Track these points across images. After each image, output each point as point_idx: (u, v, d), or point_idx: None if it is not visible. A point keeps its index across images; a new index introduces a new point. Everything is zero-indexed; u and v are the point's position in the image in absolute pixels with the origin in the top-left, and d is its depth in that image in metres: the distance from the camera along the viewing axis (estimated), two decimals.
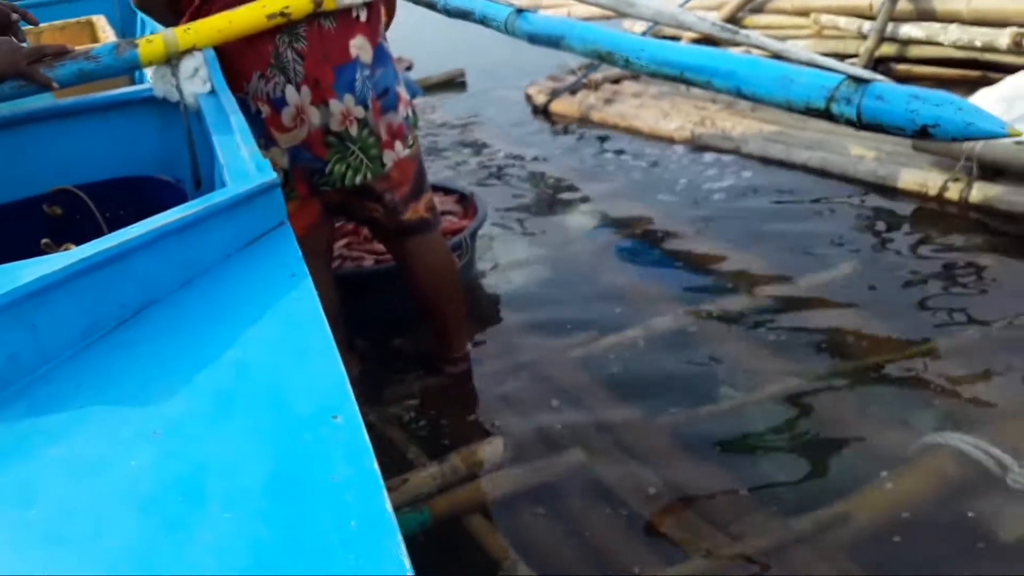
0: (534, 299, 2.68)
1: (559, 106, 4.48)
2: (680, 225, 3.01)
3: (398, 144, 2.00)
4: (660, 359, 2.27)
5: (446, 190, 2.98)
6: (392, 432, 2.10)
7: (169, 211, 0.90)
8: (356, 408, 0.64)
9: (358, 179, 1.94)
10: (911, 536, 1.62)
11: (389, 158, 1.98)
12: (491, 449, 1.96)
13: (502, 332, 2.54)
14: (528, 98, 4.72)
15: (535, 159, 3.91)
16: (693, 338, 2.35)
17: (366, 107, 1.91)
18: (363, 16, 1.90)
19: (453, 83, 5.43)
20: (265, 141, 1.85)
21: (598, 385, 2.18)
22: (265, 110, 1.85)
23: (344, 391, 0.66)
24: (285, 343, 0.75)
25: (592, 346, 2.36)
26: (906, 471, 1.78)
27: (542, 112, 4.53)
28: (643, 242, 2.97)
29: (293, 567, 0.51)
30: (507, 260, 2.94)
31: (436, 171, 3.62)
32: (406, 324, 2.47)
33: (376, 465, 0.58)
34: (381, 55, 1.96)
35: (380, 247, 2.58)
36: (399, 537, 0.52)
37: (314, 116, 1.87)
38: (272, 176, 0.98)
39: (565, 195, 3.47)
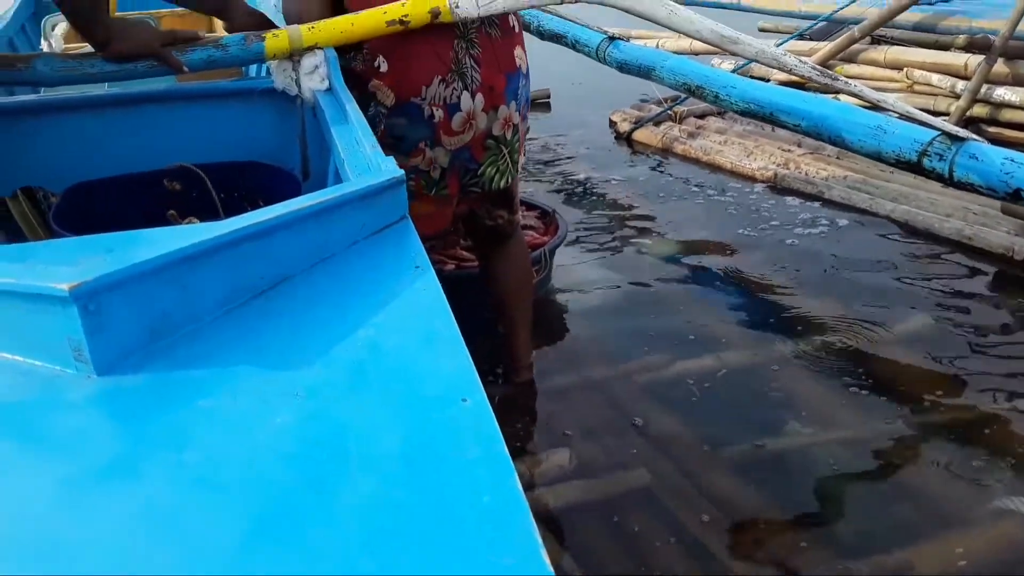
0: (605, 320, 2.71)
1: (642, 135, 4.51)
2: (757, 262, 3.02)
3: (522, 151, 2.10)
4: (728, 390, 2.28)
5: (529, 205, 3.03)
6: None
7: (305, 196, 0.96)
8: (484, 394, 0.68)
9: (503, 182, 2.02)
10: None
11: (520, 163, 2.08)
12: (557, 459, 2.00)
13: (572, 349, 2.58)
14: (612, 124, 4.76)
15: (616, 184, 3.95)
16: (763, 374, 2.36)
17: (519, 113, 2.01)
18: (517, 27, 1.99)
19: (538, 103, 5.50)
20: (431, 142, 1.90)
21: (663, 410, 2.20)
22: (439, 114, 1.88)
23: (472, 376, 0.70)
24: (413, 327, 0.80)
25: (661, 371, 2.38)
26: (973, 532, 1.76)
27: (625, 139, 4.57)
28: (719, 275, 2.98)
29: (431, 532, 0.55)
30: (582, 279, 2.97)
31: (520, 186, 3.68)
32: (475, 333, 2.51)
33: (505, 448, 0.62)
34: (528, 66, 2.05)
35: (462, 253, 2.64)
36: (531, 518, 0.55)
37: (482, 121, 1.93)
38: (400, 173, 1.04)
39: (644, 222, 3.50)
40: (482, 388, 0.69)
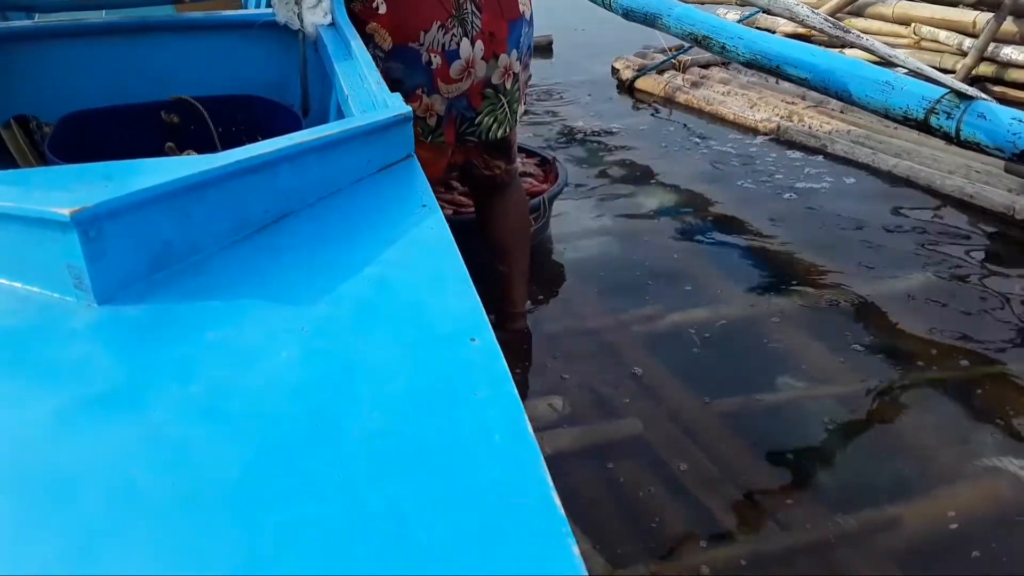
0: (603, 269, 2.70)
1: (645, 83, 4.45)
2: (756, 215, 3.00)
3: (522, 100, 2.06)
4: (723, 343, 2.28)
5: (528, 152, 3.00)
6: None
7: (309, 130, 0.93)
8: (492, 334, 0.67)
9: (500, 132, 1.98)
10: (958, 551, 1.62)
11: (519, 112, 2.04)
12: (549, 405, 2.00)
13: (568, 297, 2.57)
14: (614, 72, 4.70)
15: (616, 133, 3.91)
16: (758, 327, 2.35)
17: (520, 62, 1.96)
18: None
19: (539, 49, 5.42)
20: (428, 89, 1.86)
21: (658, 360, 2.20)
22: (436, 61, 1.84)
23: (480, 316, 0.69)
24: (421, 265, 0.78)
25: (657, 322, 2.38)
26: (961, 488, 1.78)
27: (627, 88, 4.51)
28: (717, 227, 2.97)
29: (440, 470, 0.54)
30: (580, 228, 2.96)
31: (519, 133, 3.64)
32: (473, 278, 2.50)
33: (515, 388, 0.61)
34: (532, 12, 2.00)
35: (460, 199, 2.62)
36: (540, 453, 0.55)
37: (481, 69, 1.89)
38: (407, 109, 1.01)
39: (643, 172, 3.47)
40: (491, 329, 0.67)
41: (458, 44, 1.84)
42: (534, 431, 1.68)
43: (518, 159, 2.88)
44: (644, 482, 1.80)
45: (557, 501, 0.50)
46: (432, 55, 1.84)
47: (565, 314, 2.47)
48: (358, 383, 0.62)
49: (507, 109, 1.97)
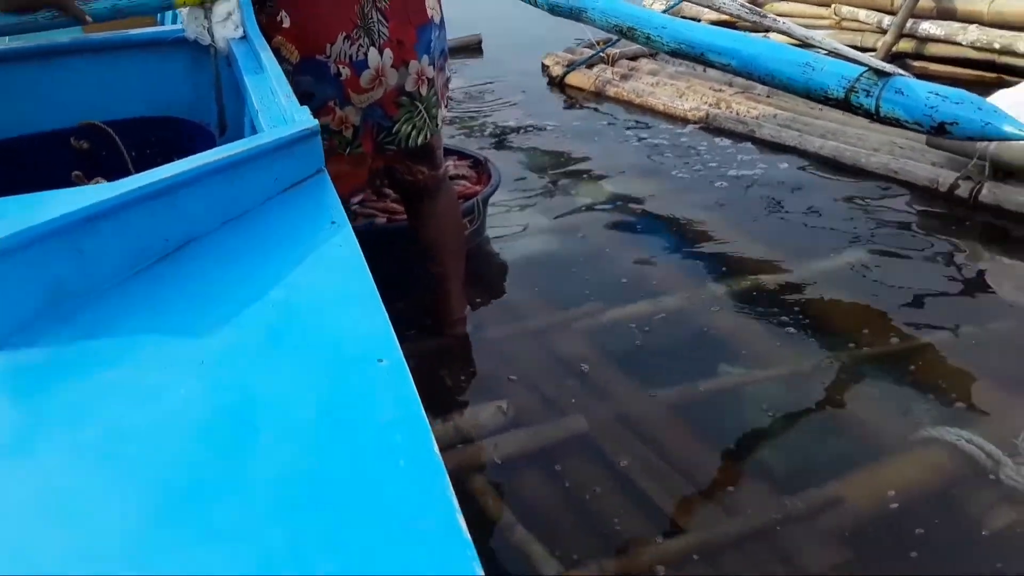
0: (541, 268, 2.69)
1: (575, 79, 4.47)
2: (689, 205, 3.03)
3: (443, 104, 2.03)
4: (662, 334, 2.29)
5: (460, 154, 2.99)
6: None
7: (211, 151, 0.91)
8: (400, 353, 0.65)
9: (420, 139, 1.95)
10: (902, 523, 1.65)
11: (441, 116, 2.00)
12: (493, 411, 1.99)
13: (507, 299, 2.56)
14: (544, 68, 4.71)
15: (549, 130, 3.91)
16: (695, 316, 2.37)
17: (434, 67, 1.93)
18: None
19: (469, 49, 5.41)
20: (340, 101, 1.84)
21: (600, 356, 2.20)
22: (345, 72, 1.83)
23: (388, 335, 0.68)
24: (328, 286, 0.76)
25: (596, 318, 2.38)
26: (902, 461, 1.81)
27: (558, 84, 4.52)
28: (651, 219, 2.98)
29: (346, 500, 0.53)
30: (516, 228, 2.95)
31: (450, 135, 3.62)
32: (409, 286, 2.48)
33: (422, 410, 0.59)
34: (443, 16, 1.98)
35: (393, 206, 2.59)
36: (447, 478, 0.53)
37: (392, 77, 1.86)
38: (313, 123, 0.99)
39: (577, 167, 3.48)
40: (399, 347, 0.66)
41: (365, 54, 1.82)
42: (480, 437, 1.67)
43: (450, 161, 2.88)
44: (593, 480, 1.80)
45: (462, 524, 0.49)
46: (340, 66, 1.82)
47: (505, 316, 2.46)
48: (261, 415, 0.60)
49: (425, 115, 1.95)
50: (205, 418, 0.60)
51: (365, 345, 0.67)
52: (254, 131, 1.26)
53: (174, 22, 2.52)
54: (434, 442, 0.56)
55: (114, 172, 1.56)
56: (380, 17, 1.81)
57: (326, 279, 0.77)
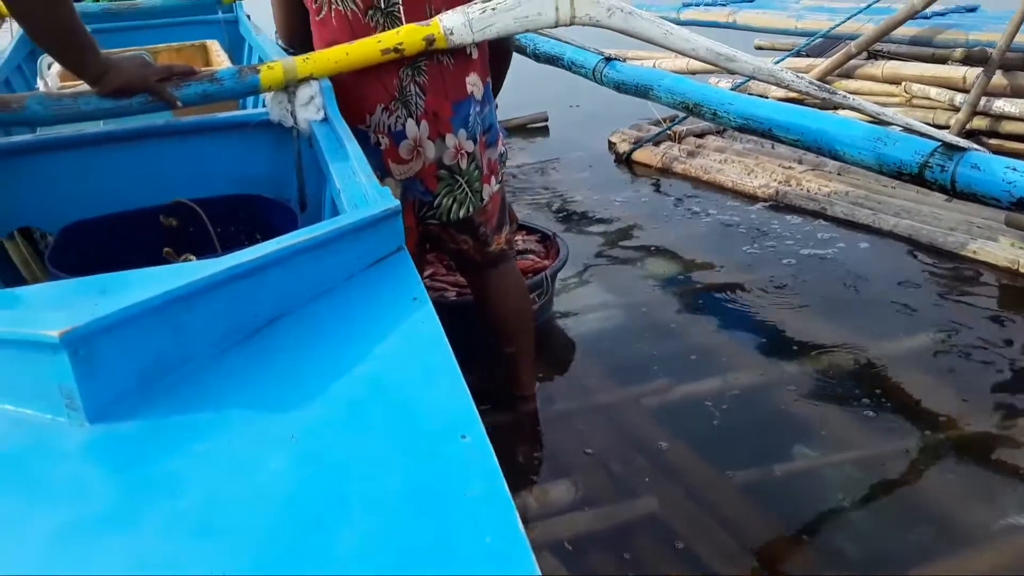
0: (610, 343, 2.69)
1: (642, 156, 4.51)
2: (760, 282, 3.00)
3: (493, 179, 2.06)
4: (735, 413, 2.26)
5: (529, 229, 3.02)
6: None
7: (299, 231, 0.94)
8: (483, 430, 0.66)
9: (462, 212, 1.99)
10: None
11: (487, 192, 2.03)
12: (563, 489, 1.97)
13: (576, 374, 2.56)
14: (611, 146, 4.76)
15: (617, 206, 3.94)
16: (769, 395, 2.33)
17: (475, 142, 1.97)
18: (475, 54, 1.95)
19: (535, 127, 5.51)
20: (381, 172, 1.89)
21: (670, 434, 2.18)
22: (385, 142, 1.90)
23: (471, 412, 0.69)
24: (412, 362, 0.78)
25: (666, 395, 2.36)
26: (985, 549, 1.74)
27: (624, 161, 4.56)
28: (722, 295, 2.96)
29: (434, 574, 0.53)
30: (585, 303, 2.96)
31: (519, 211, 3.67)
32: (480, 360, 2.50)
33: (506, 487, 0.60)
34: (488, 94, 2.02)
35: (462, 280, 2.63)
36: (532, 557, 0.54)
37: (430, 150, 1.92)
38: (395, 203, 1.02)
39: (645, 243, 3.49)
40: (481, 424, 0.67)
41: (403, 124, 1.89)
42: (550, 515, 1.66)
43: (519, 236, 2.91)
44: (663, 563, 1.77)
45: None
46: (380, 136, 1.89)
47: (574, 392, 2.45)
48: (349, 487, 0.61)
49: (467, 189, 1.99)
50: (295, 491, 0.62)
51: (448, 421, 0.68)
52: (335, 210, 1.30)
53: (255, 106, 2.64)
54: (519, 519, 0.57)
55: (201, 248, 1.63)
56: (418, 90, 1.87)
57: (409, 355, 0.79)
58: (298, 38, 2.02)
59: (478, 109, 1.97)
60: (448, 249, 2.18)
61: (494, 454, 0.63)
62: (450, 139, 1.93)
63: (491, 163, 2.05)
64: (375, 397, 0.73)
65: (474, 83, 1.95)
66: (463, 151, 1.95)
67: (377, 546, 0.55)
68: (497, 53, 2.15)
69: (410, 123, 1.89)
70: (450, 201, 1.98)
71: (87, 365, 0.71)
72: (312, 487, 0.62)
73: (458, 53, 1.90)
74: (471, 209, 2.01)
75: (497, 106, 2.10)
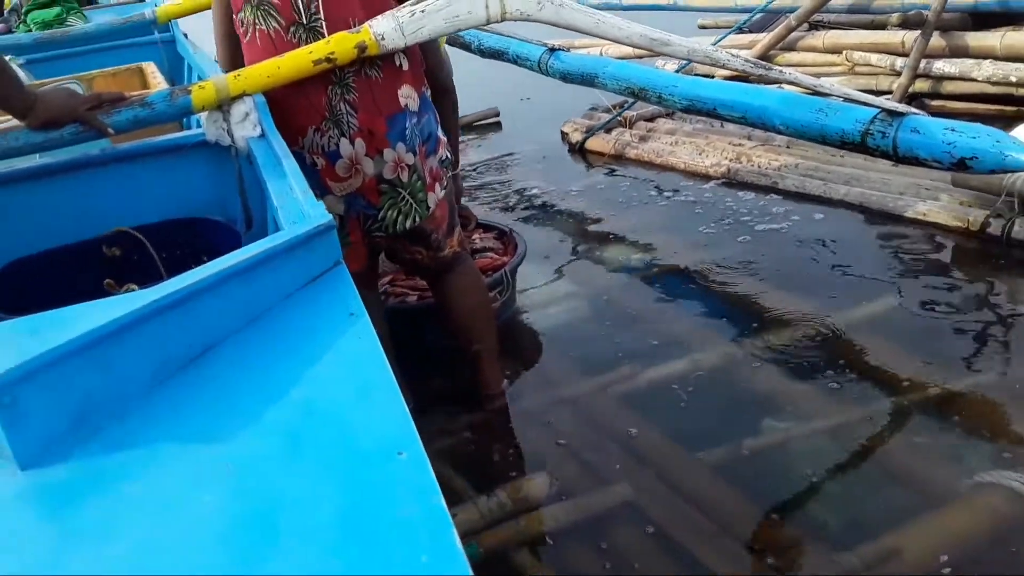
0: (574, 334, 2.69)
1: (594, 144, 4.51)
2: (719, 260, 3.02)
3: (438, 186, 2.05)
4: (702, 394, 2.26)
5: (486, 227, 3.01)
6: (436, 467, 2.10)
7: (230, 254, 0.93)
8: (420, 444, 0.66)
9: (408, 223, 1.98)
10: (962, 574, 1.60)
11: (432, 200, 2.02)
12: (537, 484, 1.97)
13: (543, 368, 2.55)
14: (564, 136, 4.76)
15: (572, 196, 3.94)
16: (733, 372, 2.35)
17: (415, 153, 1.95)
18: (405, 65, 1.93)
19: (488, 123, 5.49)
20: (320, 191, 1.88)
21: (640, 420, 2.18)
22: (320, 162, 1.89)
23: (408, 427, 0.68)
24: (348, 380, 0.77)
25: (633, 381, 2.36)
26: (957, 508, 1.76)
27: (578, 150, 4.57)
28: (681, 277, 2.97)
29: None
30: (547, 296, 2.95)
31: (476, 209, 3.66)
32: (445, 362, 2.49)
33: (443, 502, 0.59)
34: (425, 103, 2.00)
35: (423, 283, 2.62)
36: (469, 570, 0.53)
37: (368, 166, 1.90)
38: (328, 218, 1.01)
39: (603, 231, 3.49)
40: (418, 438, 0.66)
41: (337, 144, 1.88)
42: (526, 511, 1.66)
43: (476, 235, 2.90)
44: (642, 548, 1.77)
45: None
46: (315, 157, 1.89)
47: (542, 386, 2.45)
48: (283, 518, 0.61)
49: (411, 200, 1.97)
50: (229, 526, 0.61)
51: (384, 439, 0.68)
52: (277, 227, 1.29)
53: (199, 125, 2.60)
54: (455, 534, 0.56)
55: (147, 275, 1.60)
56: (349, 108, 1.86)
57: (345, 373, 0.78)
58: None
59: (415, 121, 1.95)
60: (403, 260, 2.18)
61: (431, 468, 0.63)
62: (388, 154, 1.91)
63: (433, 171, 2.03)
64: (310, 421, 0.72)
65: (407, 95, 1.94)
66: (403, 164, 1.94)
67: None
68: (438, 92, 2.14)
69: (344, 142, 1.88)
70: (395, 213, 1.97)
71: (12, 411, 0.69)
72: (246, 521, 0.61)
73: (387, 66, 1.89)
74: (418, 219, 2.00)
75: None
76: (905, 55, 4.14)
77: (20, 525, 0.67)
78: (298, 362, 0.81)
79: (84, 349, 0.75)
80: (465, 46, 3.54)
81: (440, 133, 2.09)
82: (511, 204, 3.97)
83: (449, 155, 2.13)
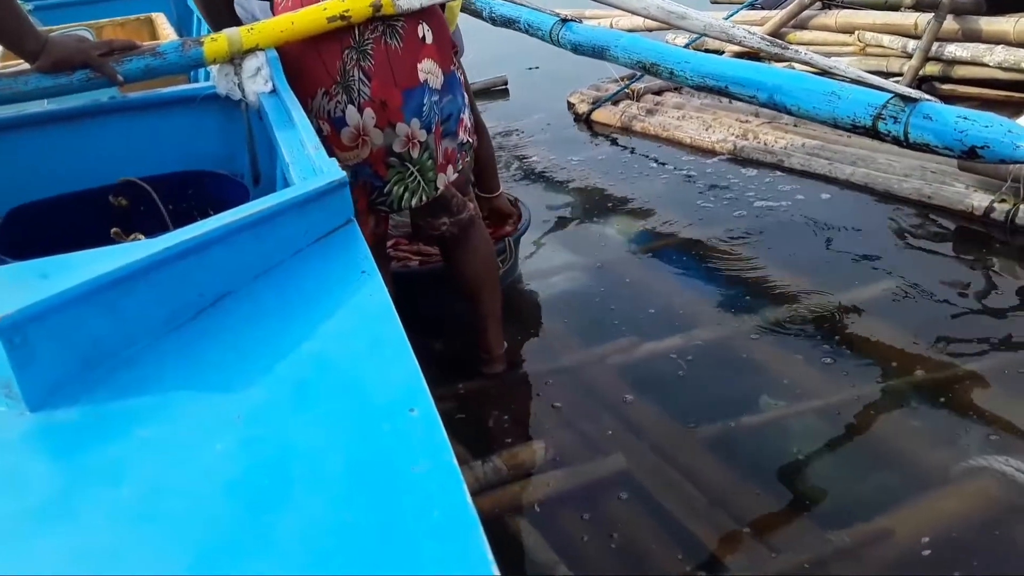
0: (574, 304, 2.69)
1: (601, 115, 4.48)
2: (720, 236, 3.01)
3: (450, 168, 2.02)
4: (699, 367, 2.27)
5: None
6: None
7: (242, 206, 0.93)
8: (432, 402, 0.66)
9: (414, 201, 1.96)
10: (951, 556, 1.61)
11: (442, 181, 2.00)
12: (532, 451, 1.99)
13: (543, 336, 2.56)
14: (570, 106, 4.73)
15: (577, 167, 3.93)
16: (732, 348, 2.35)
17: (429, 131, 1.91)
18: (429, 38, 1.89)
19: (495, 90, 5.46)
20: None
21: (638, 391, 2.19)
22: (326, 128, 1.84)
23: (419, 385, 0.68)
24: (359, 336, 0.77)
25: (631, 353, 2.37)
26: (949, 491, 1.77)
27: (584, 121, 4.54)
28: (683, 251, 2.97)
29: (378, 554, 0.53)
30: (548, 265, 2.96)
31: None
32: (447, 327, 2.50)
33: (454, 459, 0.60)
34: (452, 82, 1.96)
35: (426, 249, 2.61)
36: (481, 530, 0.53)
37: (377, 137, 1.86)
38: (341, 174, 1.01)
39: (606, 203, 3.48)
40: (430, 396, 0.66)
41: (344, 111, 1.83)
42: (520, 477, 1.67)
43: (474, 203, 2.89)
44: (634, 518, 1.78)
45: (496, 573, 0.49)
46: (321, 122, 1.84)
47: (542, 353, 2.46)
48: (294, 468, 0.61)
49: (419, 178, 1.94)
50: (239, 473, 0.61)
51: (396, 395, 0.68)
52: (286, 183, 1.28)
53: (207, 79, 2.59)
54: (467, 492, 0.56)
55: (153, 227, 1.60)
56: (362, 75, 1.82)
57: (357, 330, 0.78)
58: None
59: (435, 98, 1.91)
60: (429, 236, 2.18)
61: (442, 426, 0.63)
62: (401, 128, 1.87)
63: (448, 152, 2.00)
64: (322, 374, 0.72)
65: (429, 70, 1.89)
66: (415, 140, 1.89)
67: (321, 528, 0.55)
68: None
69: (350, 110, 1.83)
70: (401, 189, 1.94)
71: (23, 352, 0.69)
72: (256, 470, 0.61)
73: (409, 37, 1.85)
74: (423, 198, 1.98)
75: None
76: (917, 37, 4.11)
77: (29, 464, 0.67)
78: (309, 316, 0.81)
79: (95, 293, 0.75)
80: (476, 13, 3.50)
81: (466, 116, 2.04)
82: (515, 172, 3.95)
83: (472, 140, 2.09)
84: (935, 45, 4.04)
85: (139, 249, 0.81)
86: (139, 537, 0.57)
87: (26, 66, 1.61)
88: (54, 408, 0.70)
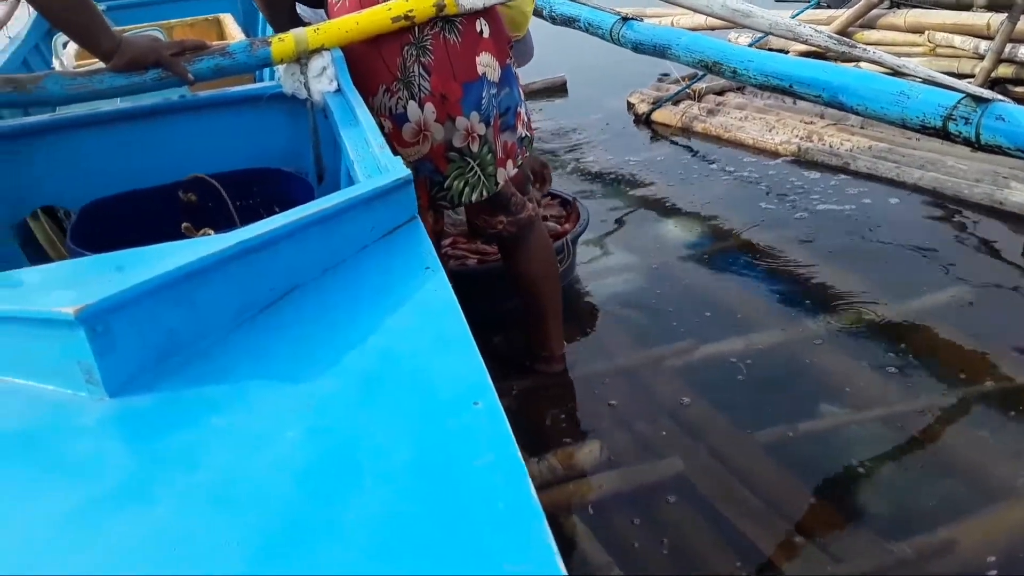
0: (632, 306, 2.68)
1: (661, 116, 4.46)
2: (782, 239, 2.98)
3: (510, 163, 2.03)
4: (759, 372, 2.25)
5: (549, 194, 3.00)
6: None
7: (310, 203, 0.94)
8: (496, 396, 0.67)
9: (474, 196, 1.97)
10: (1020, 572, 1.57)
11: (502, 176, 2.01)
12: (588, 451, 1.99)
13: (600, 337, 2.56)
14: (630, 106, 4.71)
15: (636, 167, 3.91)
16: (793, 353, 2.32)
17: (488, 124, 1.92)
18: (487, 32, 1.90)
19: (555, 89, 5.46)
20: None
21: (695, 394, 2.18)
22: (388, 125, 1.86)
23: (484, 379, 0.69)
24: (424, 330, 0.78)
25: (689, 355, 2.35)
26: (1016, 505, 1.73)
27: (644, 121, 4.52)
28: (742, 254, 2.94)
29: (443, 545, 0.54)
30: (606, 266, 2.95)
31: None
32: (504, 325, 2.51)
33: (519, 452, 0.60)
34: (508, 76, 1.97)
35: (484, 247, 2.63)
36: (545, 523, 0.54)
37: (438, 132, 1.87)
38: (406, 172, 1.02)
39: (666, 203, 3.46)
40: (494, 390, 0.67)
41: (405, 107, 1.84)
42: (575, 477, 1.67)
43: (535, 203, 2.90)
44: (689, 522, 1.77)
45: (561, 565, 0.49)
46: (383, 119, 1.85)
47: (598, 354, 2.45)
48: (362, 459, 0.62)
49: (479, 172, 1.94)
50: (309, 462, 0.63)
51: (461, 389, 0.69)
52: (351, 180, 1.30)
53: (271, 78, 2.64)
54: (531, 486, 0.57)
55: (221, 222, 1.63)
56: (422, 71, 1.83)
57: (422, 324, 0.80)
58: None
59: (493, 91, 1.92)
60: (486, 234, 2.19)
61: (506, 420, 0.64)
62: (460, 121, 1.88)
63: (508, 146, 2.01)
64: (388, 367, 0.73)
65: (487, 64, 1.90)
66: (474, 134, 1.91)
67: (387, 518, 0.56)
68: None
69: (412, 105, 1.85)
70: (461, 184, 1.95)
71: (104, 340, 0.72)
72: (325, 459, 0.63)
73: (467, 32, 1.86)
74: (484, 193, 1.98)
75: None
76: (990, 38, 4.01)
77: (107, 449, 0.69)
78: (375, 311, 0.83)
79: (171, 285, 0.77)
80: (537, 12, 3.51)
81: (523, 110, 2.06)
82: (573, 172, 3.95)
83: (530, 135, 2.11)
84: (1008, 46, 3.94)
85: (211, 244, 0.83)
86: (213, 521, 0.58)
87: (101, 65, 1.66)
88: (132, 395, 0.72)
